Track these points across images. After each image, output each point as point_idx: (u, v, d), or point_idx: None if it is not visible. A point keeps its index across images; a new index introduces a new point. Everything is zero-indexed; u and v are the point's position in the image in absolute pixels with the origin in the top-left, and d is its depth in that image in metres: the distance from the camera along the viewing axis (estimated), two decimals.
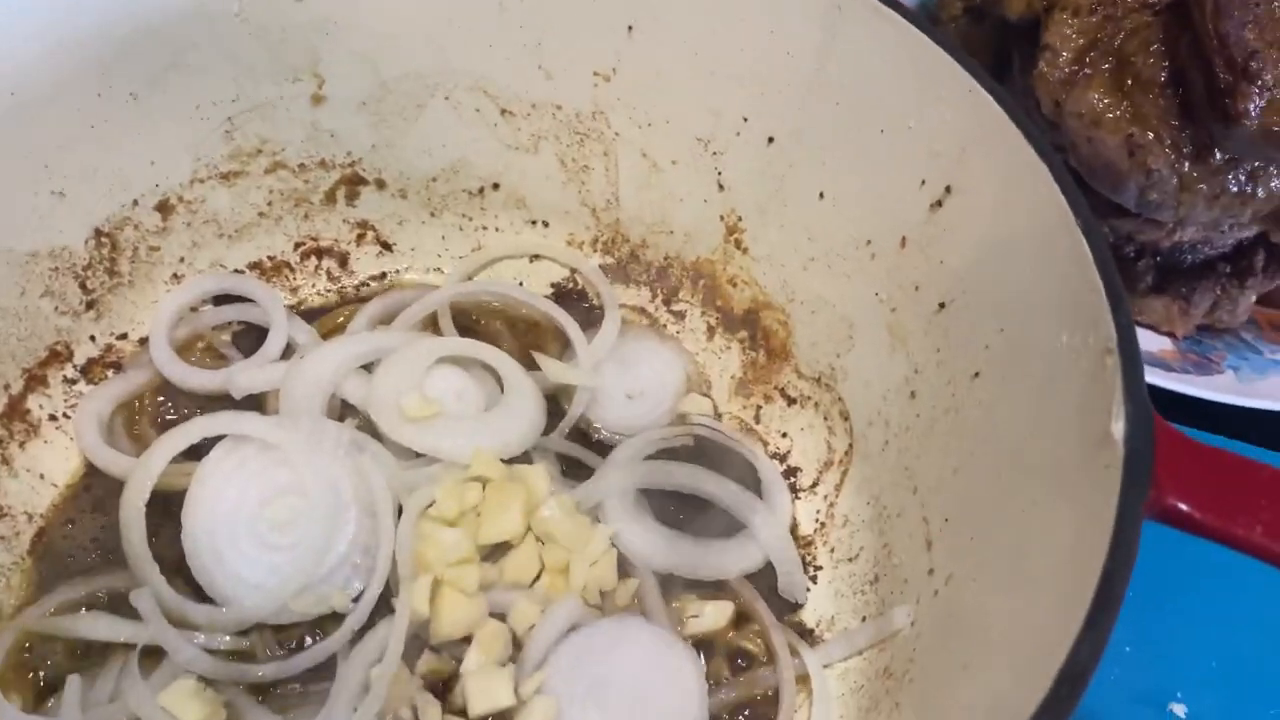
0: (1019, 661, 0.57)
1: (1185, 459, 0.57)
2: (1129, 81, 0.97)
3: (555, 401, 1.01)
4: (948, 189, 0.81)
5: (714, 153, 0.98)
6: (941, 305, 0.82)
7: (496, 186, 1.09)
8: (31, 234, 0.90)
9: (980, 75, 0.77)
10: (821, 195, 0.92)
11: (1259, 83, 0.86)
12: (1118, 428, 0.58)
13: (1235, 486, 0.56)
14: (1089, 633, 0.50)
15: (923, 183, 0.82)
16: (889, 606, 0.85)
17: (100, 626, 0.83)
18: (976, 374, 0.78)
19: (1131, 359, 0.61)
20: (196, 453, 0.89)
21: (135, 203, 0.97)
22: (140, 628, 0.82)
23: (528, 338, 1.08)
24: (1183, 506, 0.55)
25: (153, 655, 0.82)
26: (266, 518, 0.86)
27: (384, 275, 1.12)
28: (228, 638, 0.83)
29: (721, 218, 1.02)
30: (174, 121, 0.95)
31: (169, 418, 0.98)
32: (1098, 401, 0.61)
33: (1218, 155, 0.95)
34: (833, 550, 0.94)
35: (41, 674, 0.83)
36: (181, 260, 1.03)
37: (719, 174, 1.00)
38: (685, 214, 1.04)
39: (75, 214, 0.93)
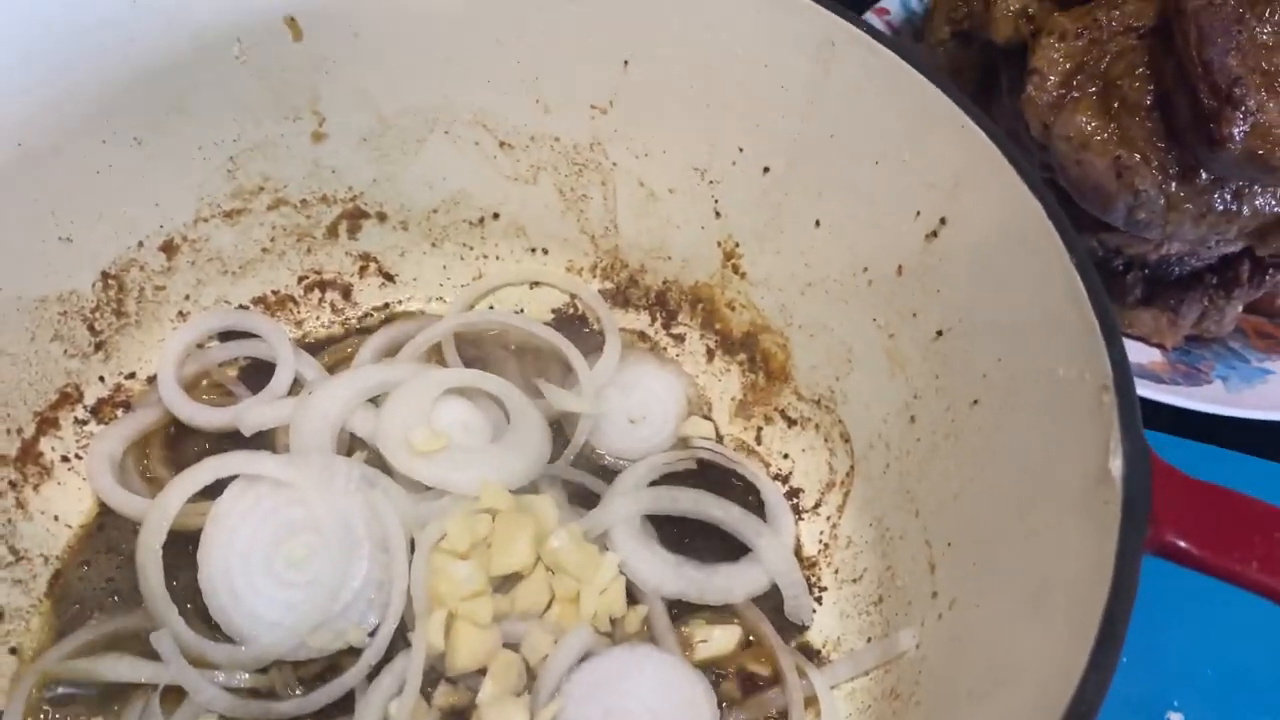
0: (1026, 696, 0.59)
1: (1182, 496, 0.59)
2: (1115, 104, 0.99)
3: (559, 428, 1.03)
4: (942, 220, 0.82)
5: (710, 181, 1.00)
6: (939, 333, 0.84)
7: (497, 216, 1.11)
8: (40, 280, 0.91)
9: (972, 111, 0.79)
10: (818, 223, 0.94)
11: (1242, 108, 0.88)
12: (1116, 465, 0.60)
13: (1231, 523, 0.58)
14: (1094, 673, 0.52)
15: (918, 214, 0.84)
16: (894, 628, 0.87)
17: (121, 668, 0.85)
18: (975, 401, 0.80)
19: (1127, 397, 0.62)
20: (210, 491, 0.90)
21: (140, 244, 0.98)
22: (161, 668, 0.84)
23: (530, 364, 1.10)
24: (1181, 543, 0.57)
25: (173, 695, 0.84)
26: (282, 555, 0.87)
27: (387, 305, 1.13)
28: (247, 676, 0.85)
29: (719, 244, 1.03)
30: (177, 163, 0.96)
31: (180, 456, 0.99)
32: (1096, 437, 0.63)
33: (1203, 176, 0.97)
34: (837, 571, 0.96)
35: (64, 717, 0.85)
36: (187, 298, 1.04)
37: (716, 202, 1.01)
38: (683, 240, 1.06)
39: (82, 258, 0.94)
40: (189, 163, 0.97)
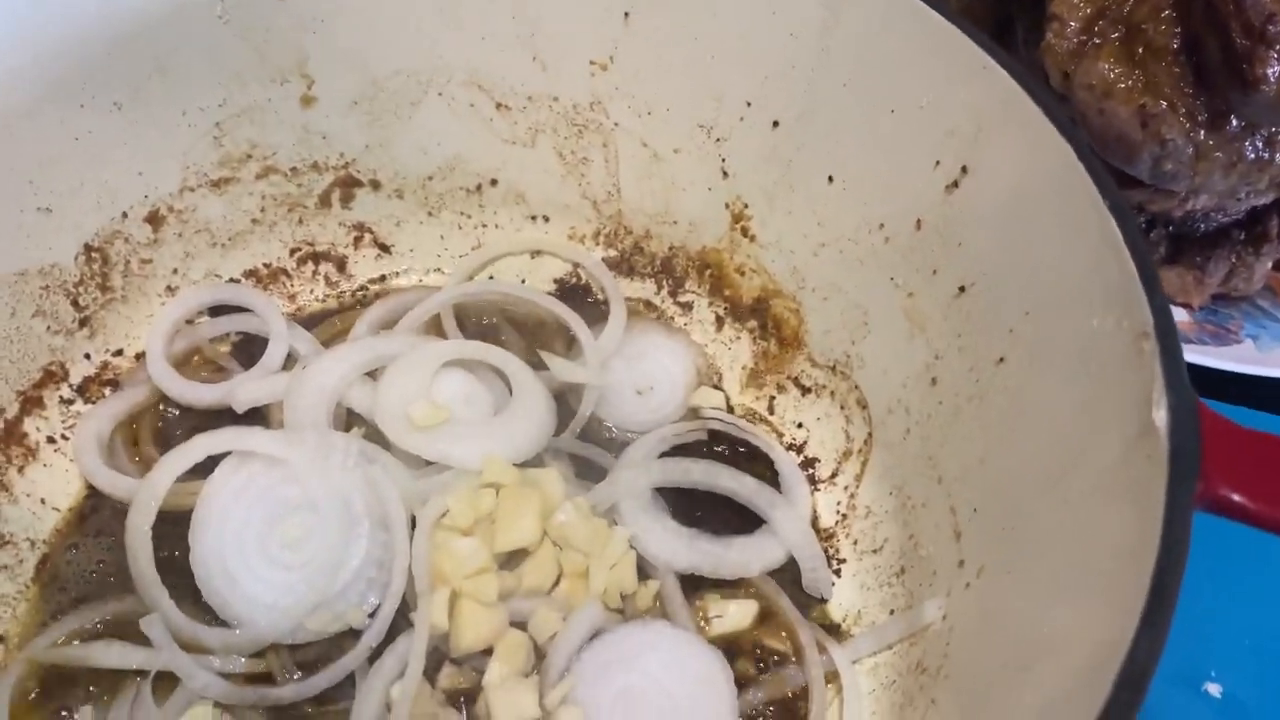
0: (1070, 663, 0.56)
1: (1234, 447, 0.55)
2: (1140, 50, 0.94)
3: (564, 401, 0.99)
4: (964, 169, 0.78)
5: (717, 139, 0.96)
6: (961, 289, 0.80)
7: (495, 182, 1.06)
8: (19, 253, 0.87)
9: (995, 51, 0.74)
10: (830, 179, 0.90)
11: (1278, 47, 0.84)
12: (1160, 417, 0.56)
13: None
14: (1146, 632, 0.48)
15: (937, 163, 0.80)
16: (918, 599, 0.83)
17: (112, 654, 0.81)
18: (1001, 359, 0.76)
19: (1170, 344, 0.58)
20: (201, 470, 0.86)
21: (124, 215, 0.94)
22: (153, 654, 0.80)
23: (533, 336, 1.06)
24: (1234, 497, 0.53)
25: (166, 681, 0.80)
26: (277, 536, 0.84)
27: (383, 278, 1.09)
28: (243, 660, 0.81)
29: (727, 205, 0.99)
30: (160, 130, 0.92)
31: (170, 434, 0.95)
32: (1136, 389, 0.59)
33: (1234, 122, 0.92)
34: (856, 542, 0.93)
35: (53, 706, 0.81)
36: (175, 272, 1.00)
37: (723, 161, 0.97)
38: (689, 203, 1.02)
39: (63, 230, 0.90)
40: (173, 129, 0.93)
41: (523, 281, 1.09)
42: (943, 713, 0.73)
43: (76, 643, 0.83)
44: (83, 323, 0.94)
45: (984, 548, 0.76)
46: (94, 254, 0.93)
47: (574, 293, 1.09)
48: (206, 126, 0.94)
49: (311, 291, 1.07)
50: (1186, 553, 0.50)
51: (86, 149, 0.88)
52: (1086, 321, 0.66)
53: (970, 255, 0.79)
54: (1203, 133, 0.94)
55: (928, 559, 0.84)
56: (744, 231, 0.99)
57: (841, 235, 0.91)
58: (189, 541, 0.83)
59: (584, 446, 0.97)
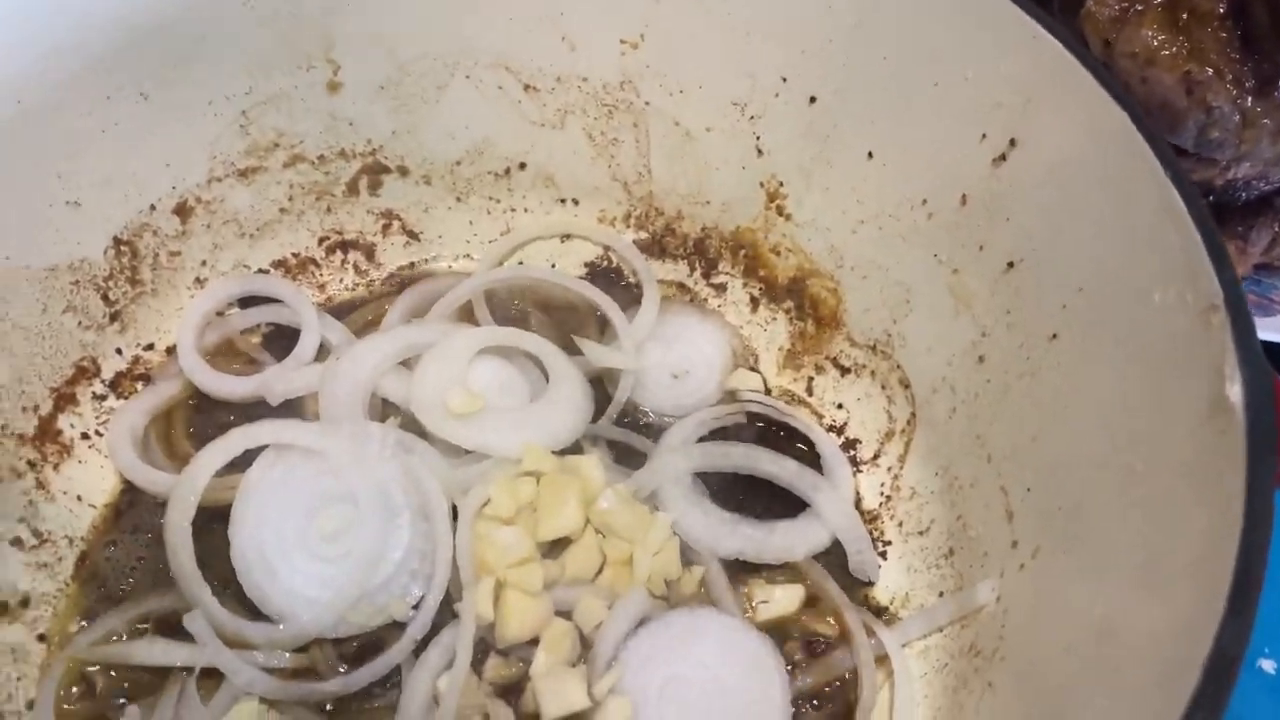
0: (1142, 650, 0.54)
1: None
2: (1184, 16, 0.92)
3: (599, 387, 0.98)
4: (1012, 142, 0.76)
5: (751, 117, 0.94)
6: (1010, 264, 0.78)
7: (523, 166, 1.05)
8: (49, 248, 0.86)
9: (1043, 19, 0.72)
10: (870, 155, 0.88)
11: None
12: (1234, 392, 0.55)
13: None
14: (1232, 620, 0.47)
15: (983, 136, 0.78)
16: (968, 581, 0.82)
17: (155, 651, 0.81)
18: (1054, 336, 0.74)
19: (1241, 316, 0.57)
20: (238, 464, 0.86)
21: (153, 207, 0.93)
22: (196, 651, 0.80)
23: (564, 322, 1.04)
24: None
25: (210, 678, 0.79)
26: (316, 528, 0.83)
27: (412, 265, 1.08)
28: (287, 655, 0.81)
29: (761, 184, 0.97)
30: (187, 120, 0.91)
31: (204, 428, 0.94)
32: (1204, 364, 0.58)
33: None
34: (901, 524, 0.91)
35: (98, 705, 0.81)
36: (203, 264, 0.99)
37: (757, 139, 0.95)
38: (722, 183, 1.00)
39: (92, 224, 0.89)
40: (199, 118, 0.92)
41: (553, 266, 1.08)
42: (1000, 697, 0.72)
43: (119, 641, 0.82)
44: (113, 317, 0.93)
45: (1039, 528, 0.75)
46: (123, 247, 0.92)
47: (605, 276, 1.08)
48: (233, 115, 0.93)
49: (341, 281, 1.06)
50: (1270, 534, 0.49)
51: (114, 140, 0.87)
52: (1146, 297, 0.64)
53: (1019, 230, 0.77)
54: (1250, 99, 0.91)
55: (978, 540, 0.82)
56: (779, 210, 0.98)
57: (882, 212, 0.89)
58: (228, 536, 0.83)
59: (621, 432, 0.95)
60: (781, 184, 0.96)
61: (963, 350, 0.85)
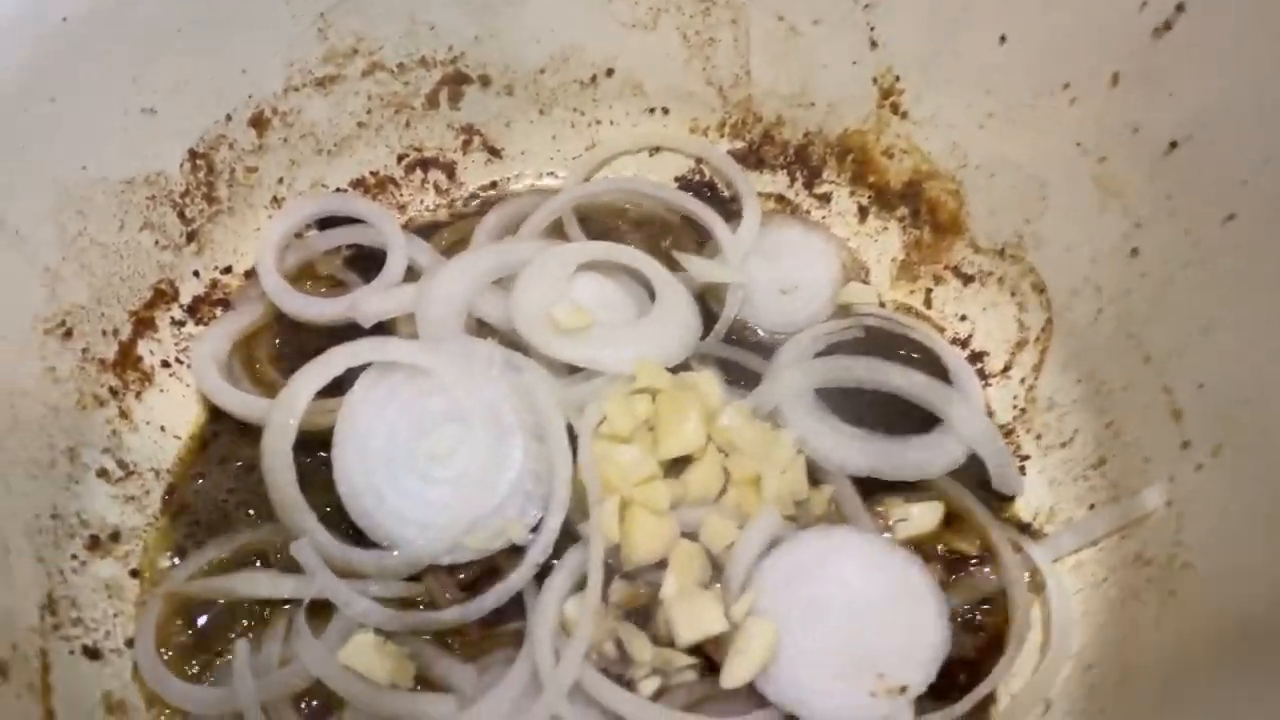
0: None
1: None
2: None
3: (701, 305, 0.91)
4: (1179, 7, 0.70)
5: (865, 6, 0.87)
6: (1173, 144, 0.72)
7: (611, 73, 0.98)
8: (125, 159, 0.81)
9: None
10: (1003, 39, 0.81)
11: None
12: None
13: None
14: None
15: (1143, 5, 0.71)
16: (1126, 490, 0.76)
17: (259, 584, 0.76)
18: (1230, 217, 0.68)
19: None
20: (335, 388, 0.80)
21: (228, 117, 0.87)
22: (304, 581, 0.75)
23: (658, 238, 0.98)
24: None
25: (317, 615, 0.74)
26: (425, 449, 0.77)
27: (494, 184, 1.02)
28: (400, 585, 0.76)
29: (874, 80, 0.91)
30: (263, 21, 0.85)
31: (289, 354, 0.89)
32: None
33: None
34: (1039, 437, 0.85)
35: (200, 640, 0.76)
36: (280, 181, 0.93)
37: (871, 30, 0.88)
38: (829, 82, 0.93)
39: (168, 133, 0.83)
40: (276, 21, 0.85)
41: None
42: (1188, 605, 0.66)
43: (219, 574, 0.77)
44: (190, 237, 0.88)
45: (1217, 426, 0.69)
46: (199, 161, 0.86)
47: (697, 191, 1.01)
48: (311, 18, 0.87)
49: (421, 201, 1.00)
50: None
51: (188, 42, 0.81)
52: None
53: (1185, 105, 0.71)
54: None
55: (1135, 445, 0.77)
56: (894, 108, 0.91)
57: (1014, 102, 0.83)
58: (331, 460, 0.77)
59: (731, 350, 0.90)
60: (898, 79, 0.90)
61: (1111, 245, 0.79)
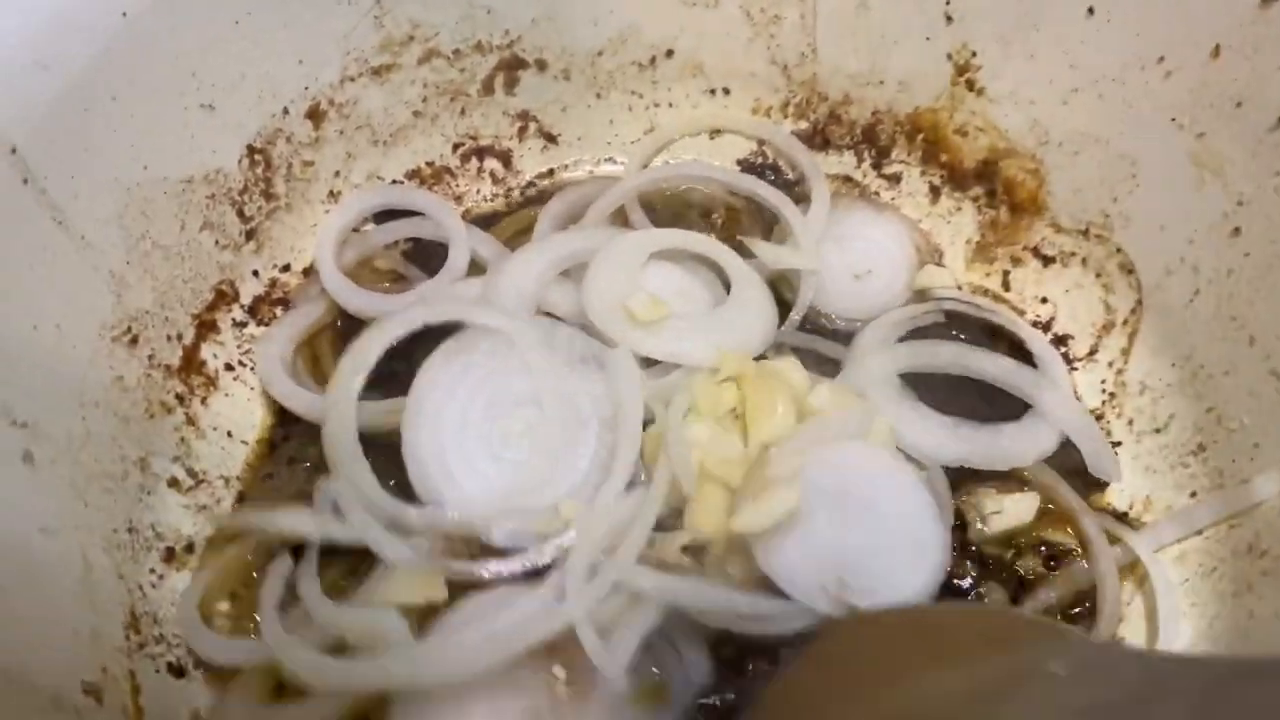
0: None
1: None
2: None
3: (773, 291, 0.89)
4: None
5: None
6: None
7: (670, 54, 0.95)
8: (185, 157, 0.78)
9: None
10: (1091, 11, 0.78)
11: None
12: None
13: None
14: None
15: None
16: (1231, 477, 0.74)
17: (304, 521, 0.73)
18: None
19: None
20: (399, 388, 0.77)
21: (285, 111, 0.84)
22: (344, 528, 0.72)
23: (725, 225, 0.95)
24: None
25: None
26: (500, 429, 0.75)
27: (551, 172, 0.99)
28: (442, 541, 0.72)
29: (949, 56, 0.88)
30: (320, 10, 0.82)
31: None
32: None
33: None
34: (1130, 422, 0.83)
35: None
36: (336, 174, 0.90)
37: (946, 4, 0.85)
38: (900, 58, 0.90)
39: (226, 129, 0.80)
40: (333, 9, 0.83)
41: None
42: None
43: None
44: (249, 235, 0.85)
45: None
46: (257, 156, 0.83)
47: (760, 174, 0.98)
48: (368, 4, 0.84)
49: (478, 191, 0.97)
50: None
51: (246, 34, 0.78)
52: None
53: None
54: None
55: (1241, 431, 0.74)
56: (969, 85, 0.88)
57: (1103, 76, 0.80)
58: (400, 426, 0.74)
59: (808, 338, 0.87)
60: (974, 54, 0.87)
61: (1210, 224, 0.76)
